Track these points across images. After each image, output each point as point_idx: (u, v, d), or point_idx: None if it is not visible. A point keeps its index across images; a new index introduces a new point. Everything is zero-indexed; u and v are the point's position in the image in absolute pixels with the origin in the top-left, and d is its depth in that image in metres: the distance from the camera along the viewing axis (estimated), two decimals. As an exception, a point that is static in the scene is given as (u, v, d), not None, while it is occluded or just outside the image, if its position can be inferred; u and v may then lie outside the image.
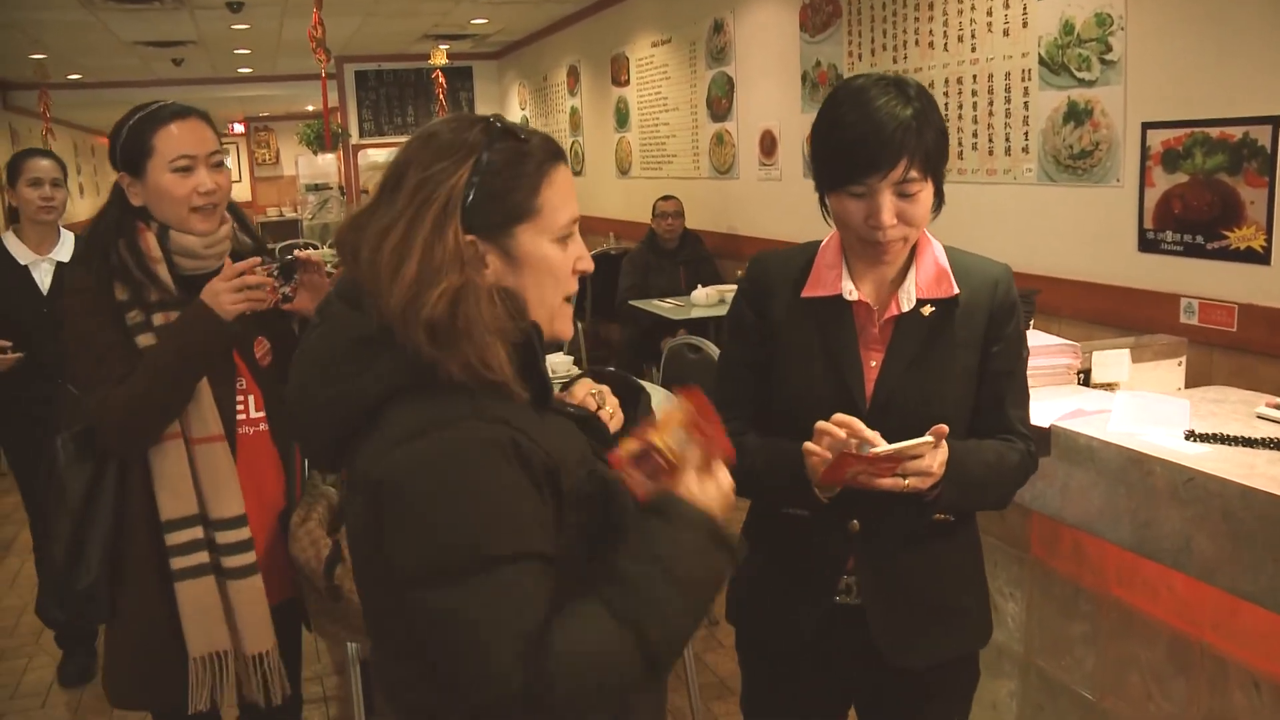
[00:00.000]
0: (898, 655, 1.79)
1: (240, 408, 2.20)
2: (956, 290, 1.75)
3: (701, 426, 1.30)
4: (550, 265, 1.32)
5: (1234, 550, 1.78)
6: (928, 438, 1.59)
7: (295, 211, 19.15)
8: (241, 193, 23.04)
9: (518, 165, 1.29)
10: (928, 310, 1.75)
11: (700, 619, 1.29)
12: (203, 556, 2.12)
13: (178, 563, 2.11)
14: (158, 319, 2.08)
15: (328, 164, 16.32)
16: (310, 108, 18.62)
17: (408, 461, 1.21)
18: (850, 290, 1.77)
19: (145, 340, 2.07)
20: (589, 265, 1.37)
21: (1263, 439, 1.95)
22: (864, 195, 1.68)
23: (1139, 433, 2.07)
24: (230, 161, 23.54)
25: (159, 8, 8.32)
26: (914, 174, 1.65)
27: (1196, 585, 1.96)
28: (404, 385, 1.25)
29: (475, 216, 1.27)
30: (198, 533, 2.11)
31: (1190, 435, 2.01)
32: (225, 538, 2.13)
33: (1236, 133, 3.51)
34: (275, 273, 2.12)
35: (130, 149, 2.12)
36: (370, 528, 1.25)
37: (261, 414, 2.22)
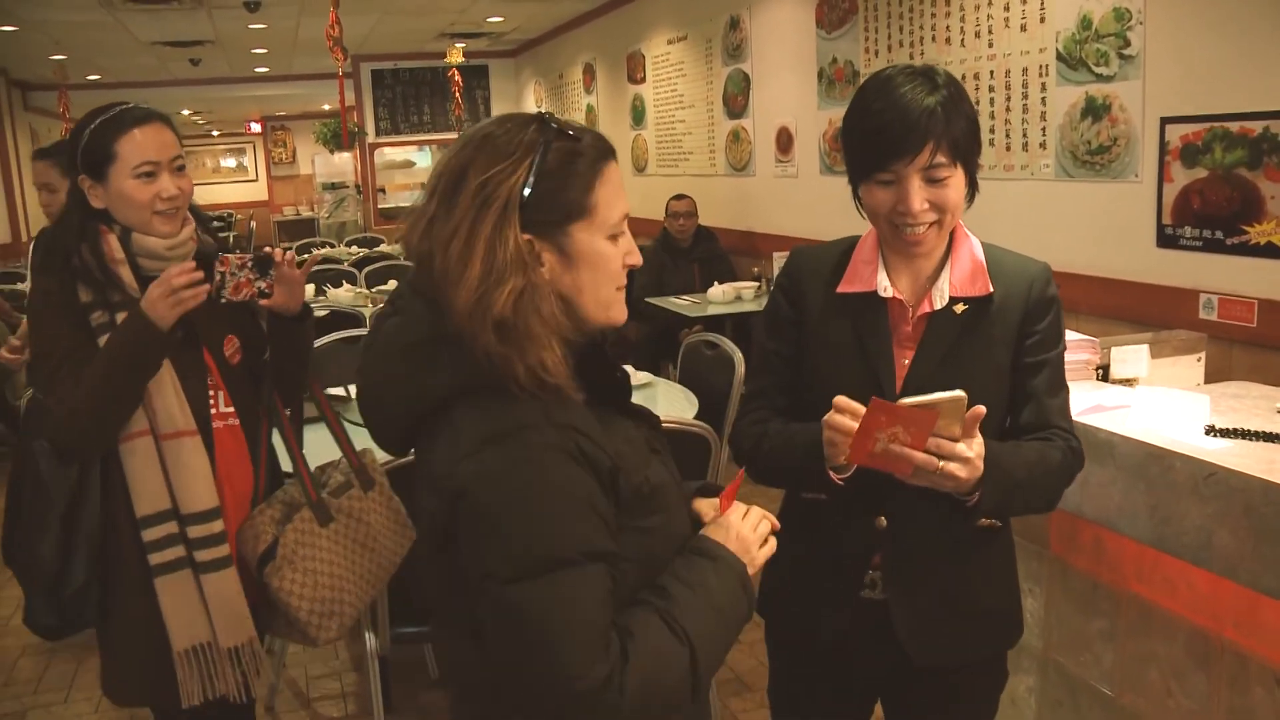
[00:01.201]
0: (922, 652, 1.78)
1: (211, 403, 2.22)
2: (991, 289, 1.74)
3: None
4: (604, 261, 1.34)
5: (1255, 546, 1.77)
6: (959, 391, 1.54)
7: (312, 210, 19.24)
8: (258, 192, 23.16)
9: (572, 164, 1.31)
10: (960, 308, 1.74)
11: (726, 653, 1.36)
12: (179, 551, 2.14)
13: (155, 558, 2.13)
14: (120, 318, 2.09)
15: (344, 163, 16.39)
16: (326, 106, 18.69)
17: (481, 472, 1.26)
18: (885, 287, 1.76)
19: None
20: (638, 259, 1.40)
21: (1285, 434, 1.94)
22: (892, 183, 1.67)
23: (1159, 428, 2.06)
24: (248, 160, 23.85)
25: (177, 8, 8.36)
26: (941, 159, 1.64)
27: (1217, 581, 1.95)
28: (472, 385, 1.29)
29: (533, 216, 1.29)
30: (172, 528, 2.13)
31: (1210, 430, 2.00)
32: (197, 531, 2.14)
33: (1256, 127, 3.49)
34: (250, 266, 2.12)
35: (92, 154, 2.12)
36: (443, 529, 1.30)
37: (231, 409, 2.24)
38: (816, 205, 6.19)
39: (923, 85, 1.65)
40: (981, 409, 1.55)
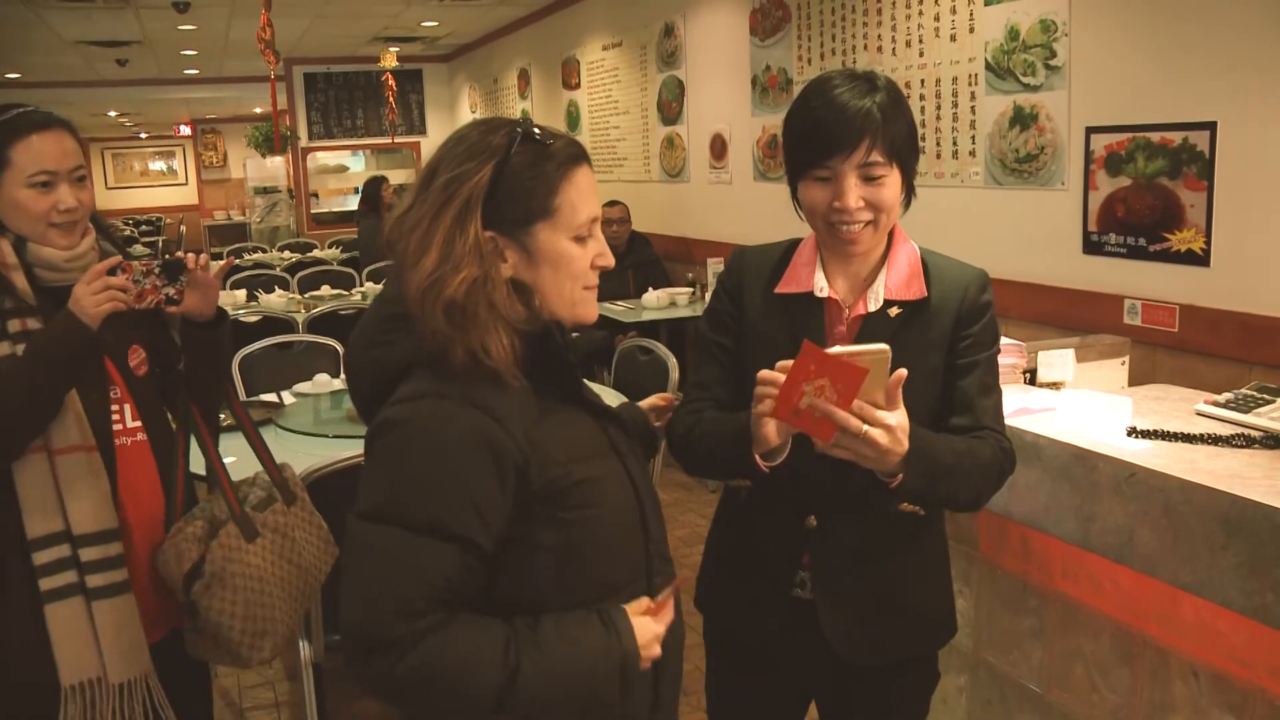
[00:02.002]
0: (851, 651, 1.80)
1: (116, 417, 2.09)
2: (926, 293, 1.77)
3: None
4: (567, 260, 1.42)
5: (1174, 543, 1.82)
6: (884, 345, 1.54)
7: (243, 215, 18.99)
8: (188, 195, 22.81)
9: (538, 166, 1.40)
10: (895, 311, 1.76)
11: (575, 709, 1.38)
12: (70, 576, 1.98)
13: (46, 584, 1.97)
14: (14, 325, 1.97)
15: (276, 167, 16.19)
16: (258, 110, 18.46)
17: (388, 419, 1.36)
18: (822, 287, 1.78)
19: (2, 349, 1.95)
20: (608, 261, 1.47)
21: (1202, 435, 2.00)
22: (829, 180, 1.69)
23: (1083, 430, 2.11)
24: (177, 164, 23.48)
25: (103, 7, 8.22)
26: (878, 158, 1.67)
27: (1139, 578, 2.00)
28: (420, 359, 1.38)
29: (495, 214, 1.38)
30: (64, 550, 1.98)
31: (1132, 432, 2.06)
32: (90, 554, 1.99)
33: (1176, 138, 3.59)
34: (157, 271, 2.01)
35: None
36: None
37: (139, 423, 2.11)
38: (750, 211, 6.24)
39: (862, 87, 1.69)
40: (903, 372, 1.55)
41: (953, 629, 1.92)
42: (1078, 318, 3.96)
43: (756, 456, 1.64)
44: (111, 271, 1.96)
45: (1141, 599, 2.04)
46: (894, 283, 1.78)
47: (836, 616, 1.80)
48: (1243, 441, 1.96)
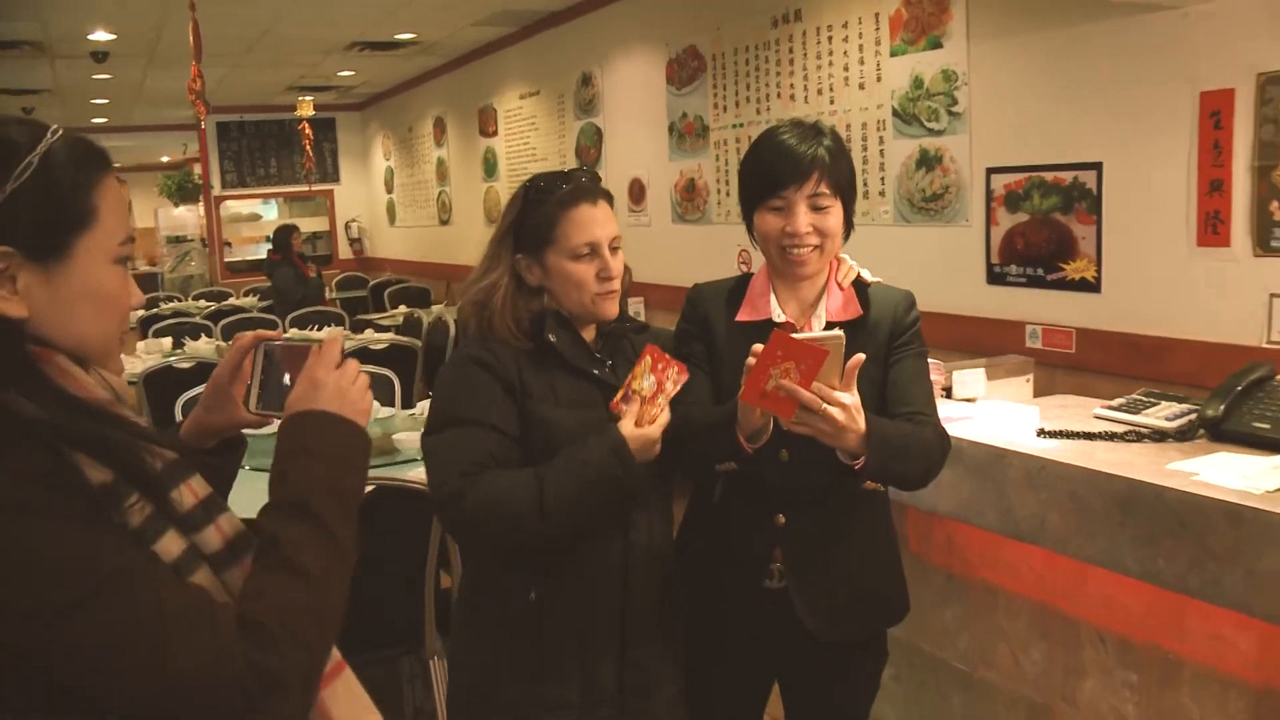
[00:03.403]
0: (823, 631, 2.04)
1: None
2: (862, 313, 2.04)
3: (659, 366, 1.89)
4: (570, 274, 1.95)
5: (1080, 523, 2.10)
6: (839, 332, 1.81)
7: (150, 265, 18.78)
8: (90, 246, 22.37)
9: (544, 206, 1.95)
10: (837, 330, 2.02)
11: (590, 501, 1.86)
12: None
13: None
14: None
15: (186, 216, 16.12)
16: (165, 158, 18.35)
17: (440, 372, 2.02)
18: (778, 314, 2.05)
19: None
20: (609, 274, 1.95)
21: (1100, 433, 2.29)
22: (782, 209, 1.97)
23: (998, 433, 2.39)
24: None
25: (18, 55, 8.23)
26: (825, 189, 1.96)
27: (1050, 560, 2.28)
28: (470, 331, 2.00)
29: (521, 242, 1.97)
30: None
31: (1041, 433, 2.34)
32: None
33: (1067, 177, 3.94)
34: None
35: None
36: None
37: None
38: (669, 252, 6.50)
39: (811, 133, 1.98)
40: (860, 356, 1.81)
41: (906, 606, 2.18)
42: (984, 343, 4.27)
43: (741, 438, 1.88)
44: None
45: (1053, 579, 2.32)
46: (833, 306, 2.05)
47: (810, 602, 2.03)
48: (1134, 437, 2.26)
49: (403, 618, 3.12)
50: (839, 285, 2.09)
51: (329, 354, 1.34)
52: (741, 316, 2.08)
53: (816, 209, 1.97)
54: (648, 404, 1.91)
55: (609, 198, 2.02)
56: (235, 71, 9.59)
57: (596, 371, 1.99)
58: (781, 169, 1.96)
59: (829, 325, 2.03)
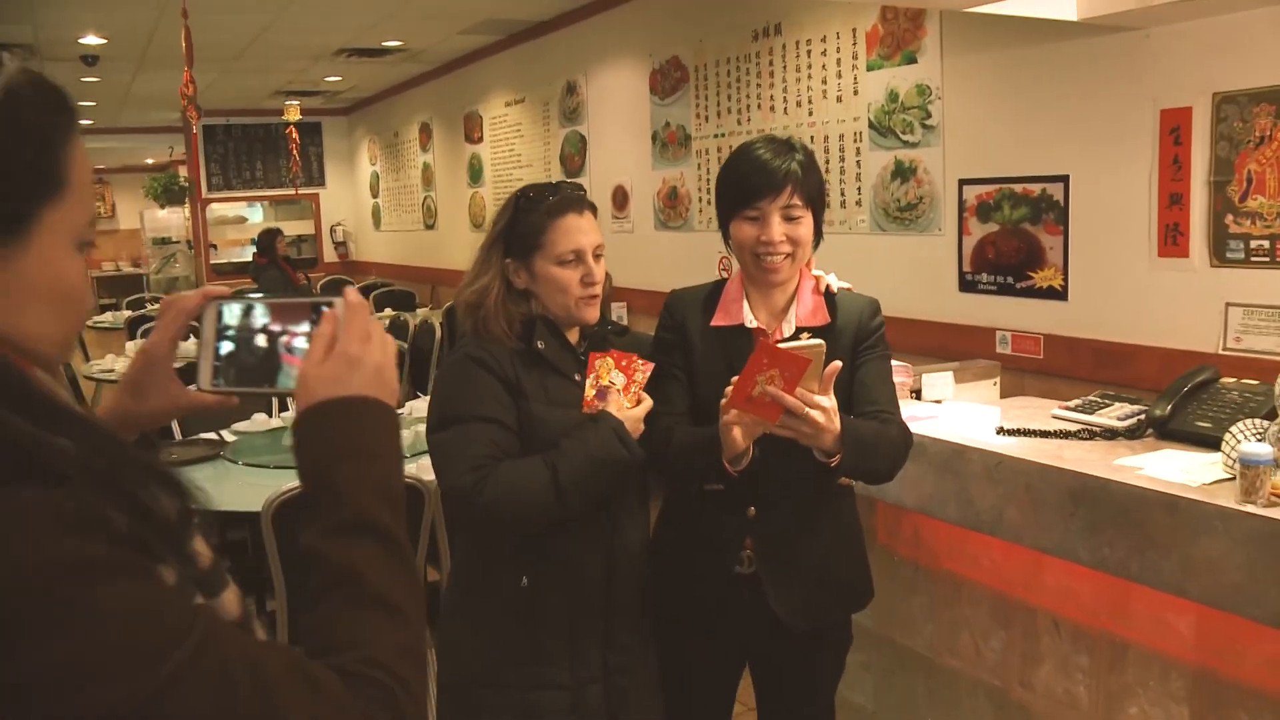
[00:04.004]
0: (791, 617, 2.17)
1: None
2: (830, 319, 2.18)
3: (622, 362, 2.09)
4: (555, 279, 2.10)
5: (1035, 515, 2.24)
6: (819, 340, 1.96)
7: (134, 266, 18.83)
8: (74, 247, 22.38)
9: (533, 214, 2.10)
10: (805, 336, 2.16)
11: (599, 479, 2.02)
12: None
13: None
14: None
15: (171, 218, 16.19)
16: (149, 160, 18.38)
17: (439, 370, 2.18)
18: (751, 319, 2.18)
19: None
20: (592, 280, 2.10)
21: (1055, 431, 2.44)
22: (757, 218, 2.11)
23: (960, 431, 2.53)
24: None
25: (9, 57, 8.30)
26: (797, 201, 2.10)
27: (1009, 552, 2.43)
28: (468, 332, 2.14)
29: (511, 247, 2.12)
30: None
31: (1000, 430, 2.49)
32: None
33: (1036, 189, 4.10)
34: None
35: None
36: None
37: None
38: (652, 259, 6.63)
39: (784, 149, 2.12)
40: (838, 364, 1.96)
41: (870, 592, 2.32)
42: (956, 349, 4.42)
43: (726, 463, 2.02)
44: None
45: (1011, 570, 2.47)
46: (802, 312, 2.19)
47: (780, 589, 2.17)
48: (1087, 435, 2.40)
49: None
50: (817, 291, 2.23)
51: (358, 322, 1.09)
52: (716, 322, 2.21)
53: (789, 219, 2.11)
54: (623, 393, 2.08)
55: (593, 209, 2.18)
56: (224, 76, 9.69)
57: (577, 376, 2.14)
58: (757, 182, 2.10)
59: (798, 330, 2.16)
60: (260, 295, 1.15)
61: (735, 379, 1.92)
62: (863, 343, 2.20)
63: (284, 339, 1.12)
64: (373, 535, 1.00)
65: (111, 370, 7.07)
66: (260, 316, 1.13)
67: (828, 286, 2.25)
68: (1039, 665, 2.42)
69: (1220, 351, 3.52)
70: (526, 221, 2.10)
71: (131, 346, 7.51)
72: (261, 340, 1.12)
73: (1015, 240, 4.21)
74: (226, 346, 1.13)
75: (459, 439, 2.01)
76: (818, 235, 2.19)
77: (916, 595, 2.74)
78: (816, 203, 2.16)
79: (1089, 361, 3.94)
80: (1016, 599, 2.46)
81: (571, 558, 2.11)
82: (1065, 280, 4.03)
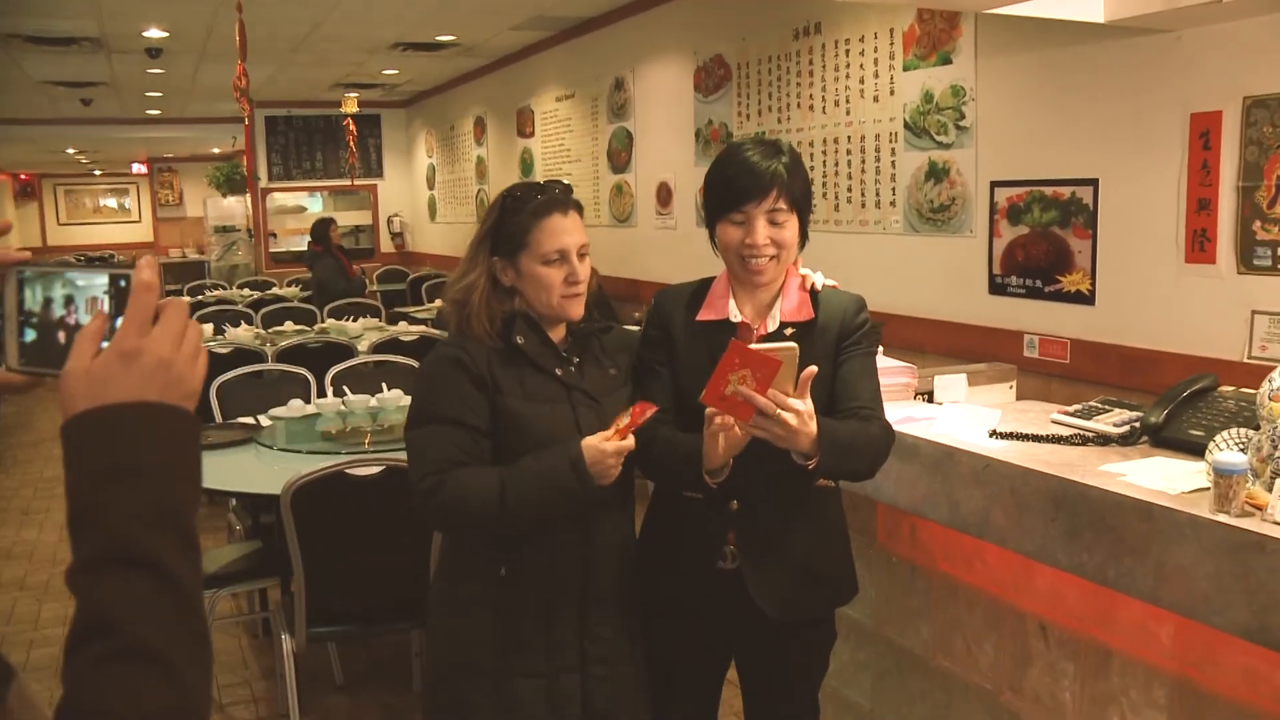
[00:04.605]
0: (775, 610, 2.20)
1: None
2: (814, 315, 2.20)
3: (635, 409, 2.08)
4: (540, 277, 2.15)
5: (1019, 518, 2.25)
6: (793, 344, 1.98)
7: (199, 253, 19.22)
8: (143, 233, 22.97)
9: (519, 214, 2.16)
10: (789, 331, 2.19)
11: (545, 504, 2.06)
12: None
13: None
14: None
15: (234, 206, 16.50)
16: (216, 150, 18.74)
17: (419, 368, 2.28)
18: (735, 314, 2.21)
19: None
20: (575, 278, 2.17)
21: (1047, 435, 2.43)
22: (743, 223, 2.14)
23: (954, 433, 2.54)
24: (130, 201, 23.65)
25: (77, 50, 8.55)
26: (782, 205, 2.13)
27: (1001, 556, 2.43)
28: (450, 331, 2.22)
29: (498, 246, 2.17)
30: None
31: (993, 434, 2.49)
32: None
33: (1066, 191, 4.07)
34: None
35: None
36: None
37: None
38: (694, 254, 6.65)
39: (771, 151, 2.14)
40: (813, 369, 1.97)
41: (855, 588, 2.34)
42: (984, 352, 4.40)
43: (705, 476, 2.06)
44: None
45: (1002, 573, 2.47)
46: (787, 308, 2.22)
47: (762, 583, 2.20)
48: (1079, 440, 2.40)
49: (412, 593, 3.30)
50: (803, 288, 2.25)
51: (141, 305, 0.92)
52: (702, 317, 2.25)
53: (774, 224, 2.14)
54: (615, 422, 2.09)
55: (579, 209, 2.22)
56: (283, 68, 9.86)
57: (558, 371, 2.19)
58: (744, 185, 2.12)
59: (782, 326, 2.19)
60: (60, 263, 1.01)
61: (710, 379, 1.95)
62: (846, 339, 2.22)
63: (75, 318, 0.98)
64: (138, 570, 0.84)
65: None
66: (61, 288, 0.99)
67: (813, 285, 2.27)
68: (1027, 669, 2.42)
69: (1246, 360, 3.48)
70: (513, 221, 2.15)
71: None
72: (63, 316, 0.98)
73: (1044, 243, 4.19)
74: (31, 321, 0.99)
75: (426, 439, 2.10)
76: (804, 236, 2.21)
77: (913, 596, 2.75)
78: (802, 205, 2.18)
79: (1114, 367, 3.91)
80: (1007, 603, 2.47)
81: (548, 548, 2.15)
82: (1093, 284, 4.00)
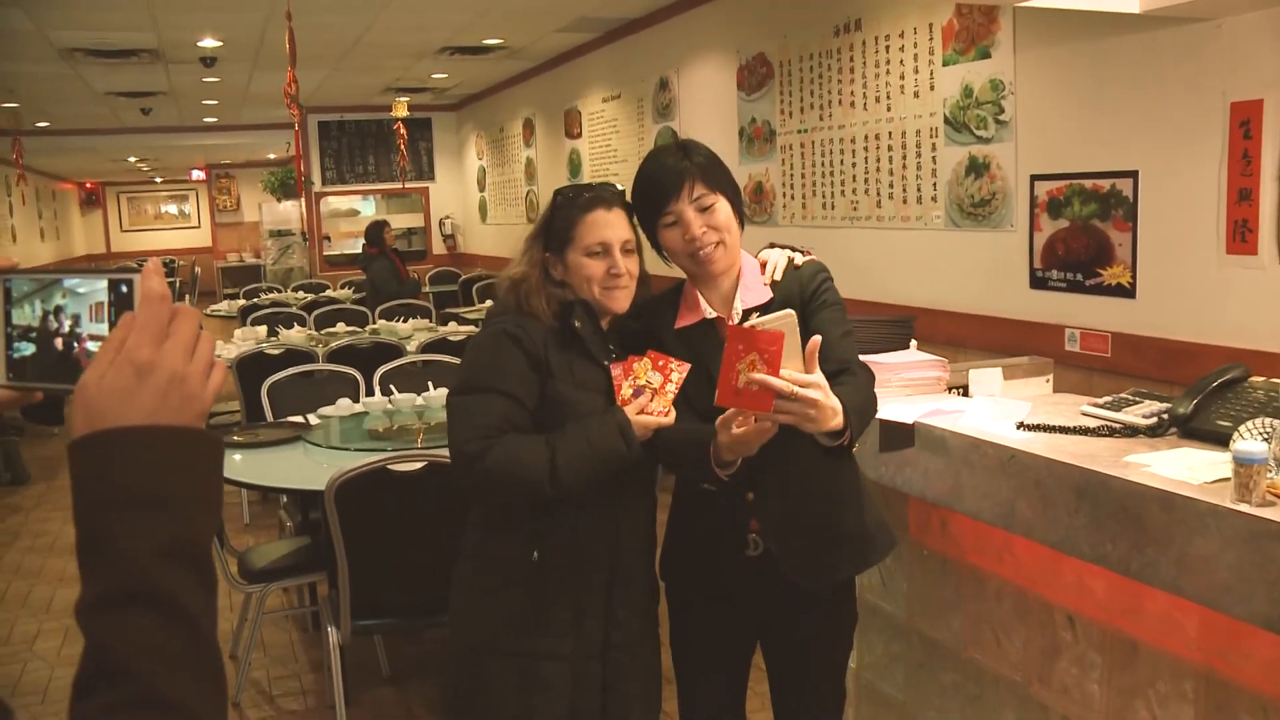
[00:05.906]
0: (810, 580, 2.26)
1: None
2: (770, 296, 2.25)
3: (659, 363, 2.18)
4: (584, 268, 2.24)
5: (1043, 510, 2.25)
6: (789, 310, 1.98)
7: (256, 257, 19.53)
8: (201, 238, 23.39)
9: (566, 210, 2.26)
10: (754, 316, 2.19)
11: (595, 469, 2.12)
12: None
13: None
14: None
15: (289, 211, 16.75)
16: (271, 155, 19.04)
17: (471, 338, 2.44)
18: (709, 310, 2.26)
19: None
20: (617, 271, 2.23)
21: (1075, 427, 2.43)
22: (675, 222, 2.21)
23: (982, 425, 2.54)
24: (189, 207, 24.08)
25: (136, 62, 8.75)
26: (702, 190, 2.20)
27: (1028, 548, 2.44)
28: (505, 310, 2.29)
29: (549, 242, 2.28)
30: None
31: (1020, 425, 2.49)
32: None
33: (1106, 185, 4.05)
34: None
35: None
36: None
37: None
38: (739, 252, 6.68)
39: (679, 151, 2.23)
40: (818, 338, 1.96)
41: (893, 539, 2.39)
42: (1026, 346, 4.38)
43: (716, 468, 2.09)
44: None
45: (1030, 565, 2.47)
46: (745, 296, 2.26)
47: (792, 557, 2.24)
48: (1106, 432, 2.40)
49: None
50: (760, 272, 2.29)
51: (154, 315, 0.87)
52: (680, 323, 2.31)
53: (703, 209, 2.20)
54: (658, 394, 2.14)
55: (627, 207, 2.29)
56: (334, 75, 10.01)
57: (606, 362, 2.25)
58: (663, 185, 2.22)
59: (746, 313, 2.22)
60: (57, 271, 0.96)
61: (718, 377, 1.93)
62: (810, 303, 2.26)
63: (81, 328, 0.93)
64: (152, 608, 0.80)
65: (219, 356, 7.38)
66: (56, 298, 0.94)
67: (774, 279, 2.30)
68: (1055, 661, 2.43)
69: (1287, 351, 3.44)
70: (561, 217, 2.26)
71: (240, 333, 7.82)
72: (58, 327, 0.93)
73: (1085, 237, 4.17)
74: (30, 335, 0.94)
75: (474, 406, 2.16)
76: (740, 216, 2.29)
77: (943, 589, 2.76)
78: (726, 187, 2.25)
79: (1155, 360, 3.89)
80: (1036, 595, 2.47)
81: (581, 537, 2.21)
82: (1133, 277, 3.97)
